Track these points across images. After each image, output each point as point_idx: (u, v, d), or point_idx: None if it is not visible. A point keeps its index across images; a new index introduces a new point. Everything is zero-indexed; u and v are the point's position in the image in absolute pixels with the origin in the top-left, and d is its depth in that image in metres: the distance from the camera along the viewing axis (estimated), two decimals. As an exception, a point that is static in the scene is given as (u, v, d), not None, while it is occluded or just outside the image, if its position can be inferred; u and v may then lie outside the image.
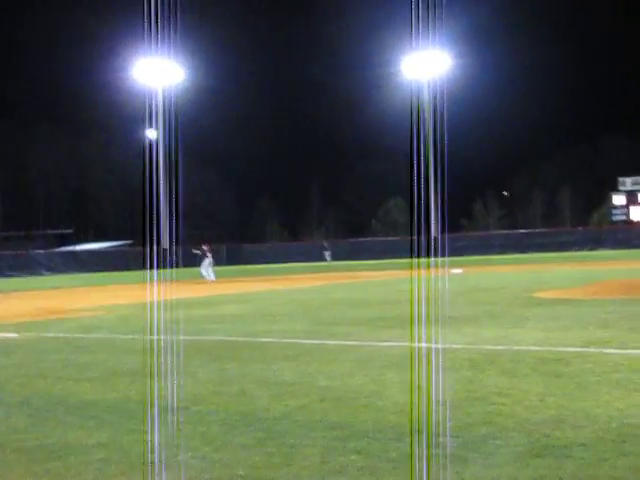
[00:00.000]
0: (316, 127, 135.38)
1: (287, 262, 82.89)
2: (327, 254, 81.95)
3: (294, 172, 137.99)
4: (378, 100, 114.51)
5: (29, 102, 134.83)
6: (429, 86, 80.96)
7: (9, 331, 19.03)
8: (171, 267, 75.39)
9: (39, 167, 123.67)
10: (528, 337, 13.95)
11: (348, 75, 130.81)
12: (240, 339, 15.61)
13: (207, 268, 47.27)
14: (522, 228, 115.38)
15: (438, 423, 7.82)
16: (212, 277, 46.35)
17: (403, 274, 40.28)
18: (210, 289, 37.49)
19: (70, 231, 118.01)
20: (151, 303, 22.06)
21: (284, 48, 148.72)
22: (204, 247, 49.30)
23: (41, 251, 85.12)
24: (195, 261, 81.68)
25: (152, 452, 7.17)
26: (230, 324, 19.11)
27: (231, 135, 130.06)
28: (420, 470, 6.41)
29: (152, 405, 9.12)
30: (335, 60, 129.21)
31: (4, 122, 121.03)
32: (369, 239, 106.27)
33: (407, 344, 13.42)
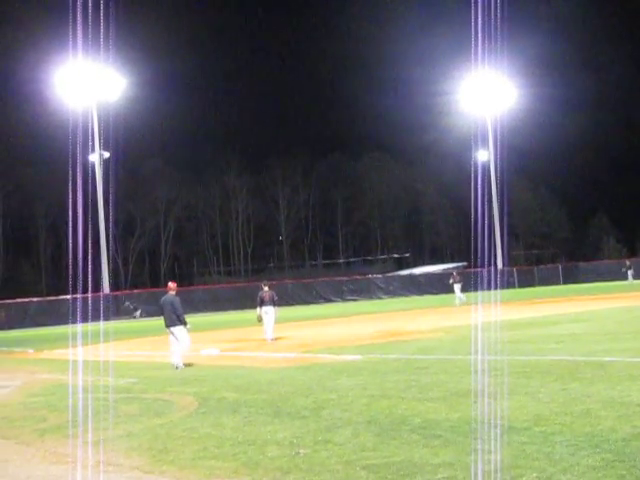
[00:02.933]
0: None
1: (626, 279, 79.17)
2: (630, 273, 77.71)
3: (627, 186, 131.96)
4: None
5: (361, 131, 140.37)
6: None
7: (353, 353, 19.77)
8: (506, 287, 74.97)
9: (374, 194, 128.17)
10: None
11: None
12: (581, 358, 15.17)
13: (460, 292, 49.50)
14: None
15: None
16: (464, 299, 47.85)
17: None
18: (546, 309, 36.77)
19: (407, 255, 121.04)
20: (488, 324, 22.01)
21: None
22: (455, 274, 52.52)
23: (379, 275, 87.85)
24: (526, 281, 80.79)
25: (497, 472, 7.14)
26: (570, 343, 18.63)
27: (562, 152, 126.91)
28: None
29: (494, 425, 9.09)
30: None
31: (337, 153, 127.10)
32: None
33: None
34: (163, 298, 19.62)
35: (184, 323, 19.27)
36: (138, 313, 64.78)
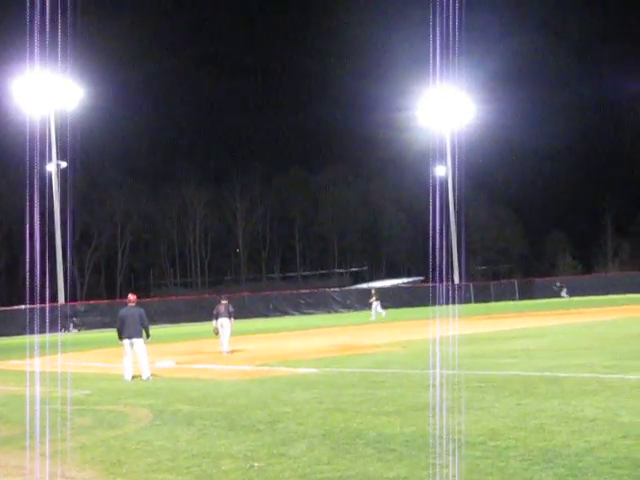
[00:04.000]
0: (605, 154, 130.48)
1: (581, 295, 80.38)
2: (563, 291, 79.74)
3: (584, 203, 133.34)
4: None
5: (319, 145, 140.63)
6: None
7: (309, 367, 19.77)
8: (462, 302, 75.42)
9: (332, 208, 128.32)
10: None
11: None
12: (536, 374, 15.30)
13: (378, 309, 52.71)
14: None
15: None
16: (384, 316, 51.32)
17: None
18: (501, 324, 37.05)
19: (364, 269, 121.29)
20: (444, 338, 22.12)
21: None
22: (374, 292, 55.79)
23: (336, 289, 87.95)
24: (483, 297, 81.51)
25: (451, 486, 7.17)
26: (525, 359, 18.80)
27: (519, 168, 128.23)
28: None
29: (449, 439, 9.13)
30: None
31: (296, 167, 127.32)
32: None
33: None
34: (124, 310, 19.51)
35: (148, 335, 19.34)
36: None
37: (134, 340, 18.94)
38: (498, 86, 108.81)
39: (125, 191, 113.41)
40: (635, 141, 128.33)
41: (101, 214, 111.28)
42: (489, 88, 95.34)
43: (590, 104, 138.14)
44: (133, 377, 19.05)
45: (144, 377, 18.84)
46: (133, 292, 21.37)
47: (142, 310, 19.48)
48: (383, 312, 51.78)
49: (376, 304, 52.74)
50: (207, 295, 75.63)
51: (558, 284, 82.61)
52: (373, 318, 51.12)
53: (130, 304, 19.57)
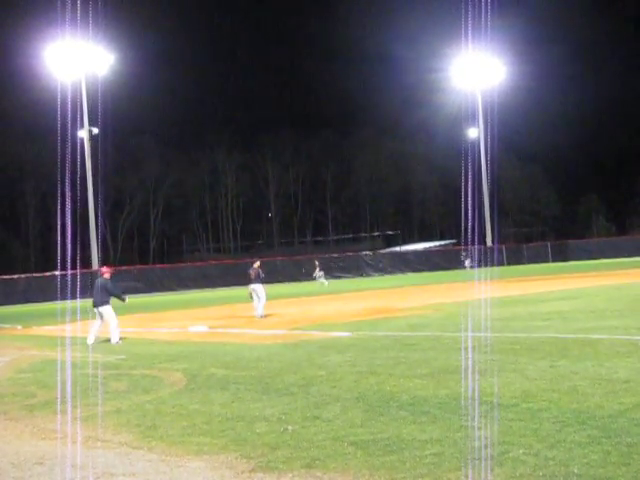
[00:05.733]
0: (639, 114, 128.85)
1: (615, 257, 79.84)
2: (467, 261, 79.42)
3: (619, 164, 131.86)
4: None
5: (351, 108, 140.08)
6: None
7: (342, 330, 19.79)
8: (495, 265, 75.16)
9: (364, 172, 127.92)
10: None
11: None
12: (569, 336, 15.22)
13: (322, 280, 56.79)
14: None
15: None
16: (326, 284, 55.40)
17: None
18: (534, 287, 36.88)
19: (396, 232, 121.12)
20: (476, 301, 22.06)
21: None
22: (318, 263, 59.71)
23: (368, 252, 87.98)
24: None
25: (485, 448, 7.17)
26: (558, 321, 18.69)
27: (552, 129, 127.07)
28: None
29: (482, 402, 9.13)
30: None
31: (327, 131, 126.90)
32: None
33: None
34: (96, 281, 20.80)
35: (123, 300, 21.09)
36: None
37: (100, 309, 20.18)
38: (529, 48, 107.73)
39: (156, 157, 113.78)
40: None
41: (133, 180, 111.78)
42: (520, 50, 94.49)
43: (622, 64, 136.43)
44: (95, 341, 20.16)
45: (112, 342, 20.05)
46: (108, 264, 22.97)
47: (107, 282, 20.46)
48: (326, 282, 55.74)
49: (320, 274, 56.74)
50: (240, 260, 75.94)
51: (464, 254, 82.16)
52: (326, 285, 54.67)
53: (104, 275, 20.75)
